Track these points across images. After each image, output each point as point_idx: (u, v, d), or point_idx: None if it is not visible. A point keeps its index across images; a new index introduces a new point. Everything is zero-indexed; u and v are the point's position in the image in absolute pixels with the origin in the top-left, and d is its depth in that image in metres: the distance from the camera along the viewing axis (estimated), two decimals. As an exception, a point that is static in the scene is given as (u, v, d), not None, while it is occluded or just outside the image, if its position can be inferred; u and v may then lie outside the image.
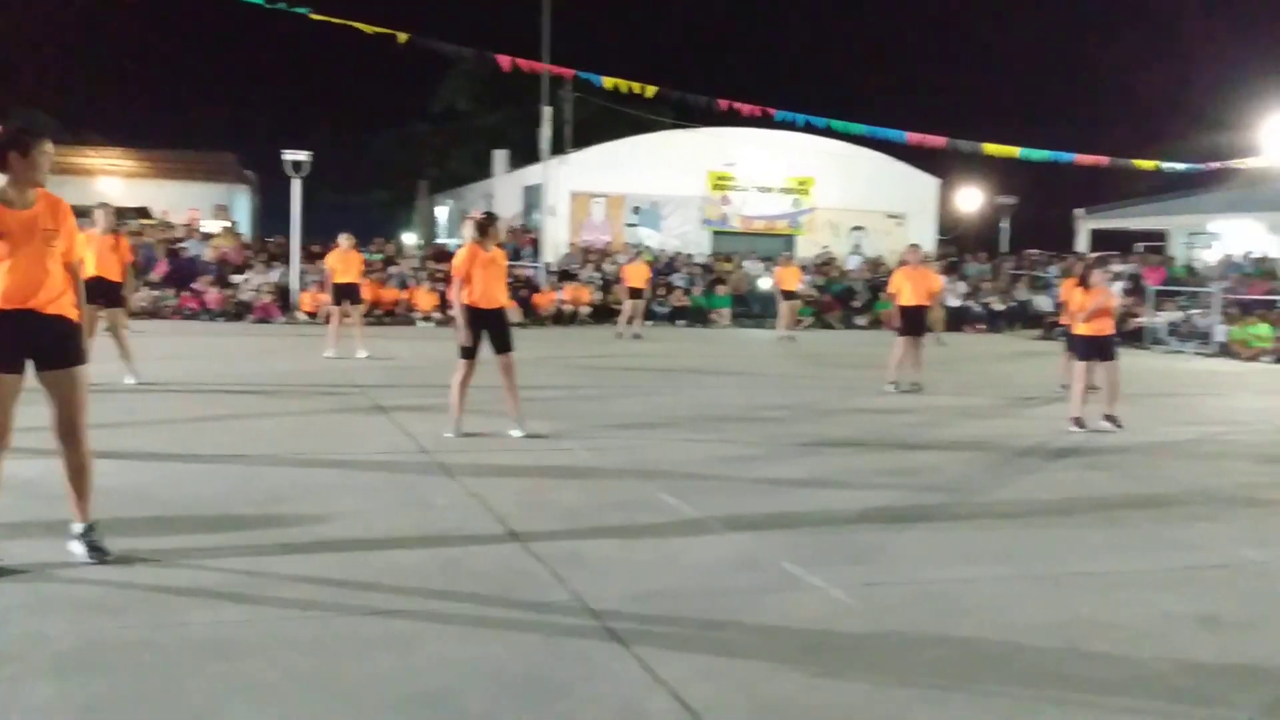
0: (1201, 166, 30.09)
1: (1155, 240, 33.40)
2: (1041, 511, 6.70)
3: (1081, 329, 10.15)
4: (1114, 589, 5.10)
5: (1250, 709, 3.75)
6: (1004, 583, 5.15)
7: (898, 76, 52.67)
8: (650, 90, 24.43)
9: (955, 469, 8.06)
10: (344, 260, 15.01)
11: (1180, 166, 29.82)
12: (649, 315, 23.85)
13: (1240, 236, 29.58)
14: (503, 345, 8.55)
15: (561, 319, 23.72)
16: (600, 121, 32.60)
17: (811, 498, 6.90)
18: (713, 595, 4.80)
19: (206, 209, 30.84)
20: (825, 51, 58.02)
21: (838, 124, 26.22)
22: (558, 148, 27.69)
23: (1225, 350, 20.29)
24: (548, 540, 5.56)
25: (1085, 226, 33.77)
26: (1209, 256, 29.60)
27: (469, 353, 8.42)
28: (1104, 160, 28.84)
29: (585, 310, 24.19)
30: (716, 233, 30.02)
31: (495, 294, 8.49)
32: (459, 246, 10.41)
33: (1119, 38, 56.51)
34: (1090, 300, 10.00)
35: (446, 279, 17.24)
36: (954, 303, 25.99)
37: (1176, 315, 22.82)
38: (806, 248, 30.10)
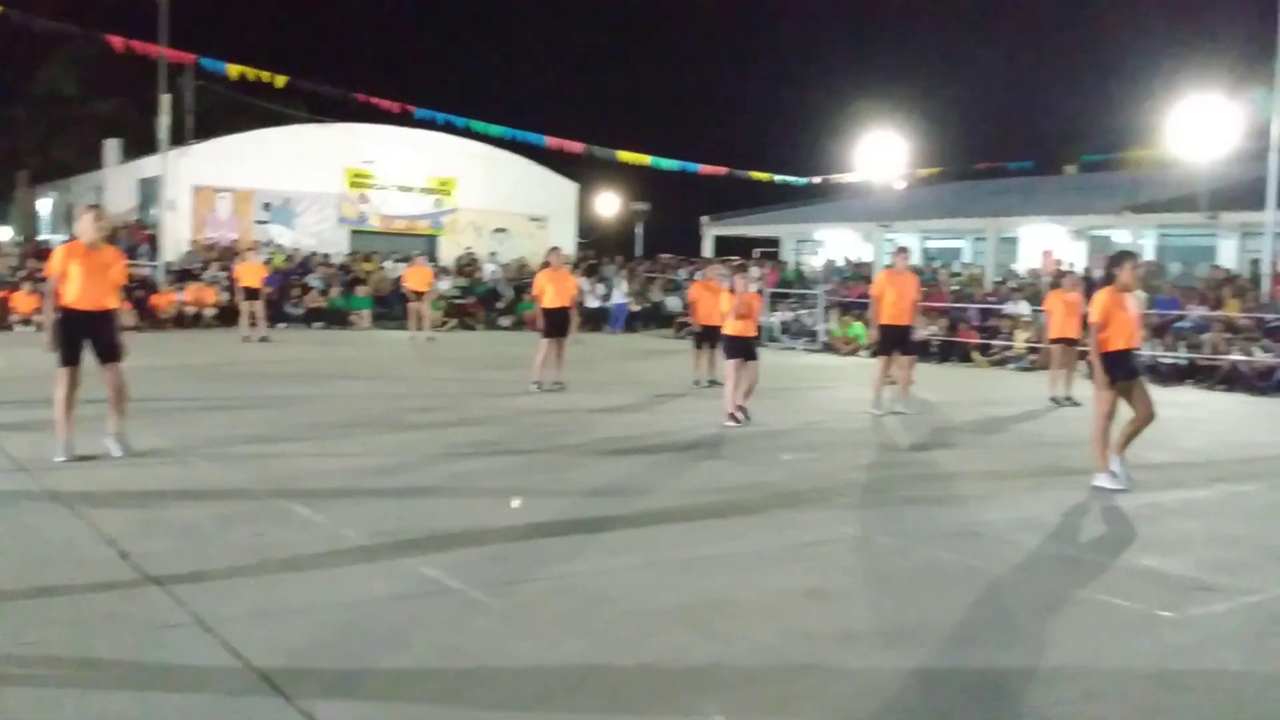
0: (807, 180, 33.08)
1: (770, 246, 36.30)
2: (676, 500, 7.06)
3: (729, 330, 10.83)
4: (736, 570, 5.46)
5: (848, 670, 4.14)
6: (638, 571, 5.37)
7: (537, 82, 53.72)
8: (280, 80, 23.35)
9: (599, 466, 8.32)
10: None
11: (791, 179, 32.60)
12: (281, 317, 22.84)
13: (841, 244, 32.76)
14: (108, 354, 7.79)
15: (183, 322, 22.20)
16: (227, 112, 30.80)
17: (457, 505, 6.88)
18: (366, 621, 4.62)
19: None
20: (467, 53, 58.11)
21: (478, 125, 26.40)
22: (178, 138, 25.88)
23: (828, 346, 22.39)
24: (182, 578, 5.01)
25: (710, 233, 36.07)
26: (815, 261, 32.51)
27: (67, 360, 7.60)
28: (724, 171, 30.98)
29: (210, 312, 22.76)
30: (355, 232, 29.26)
31: (99, 296, 7.72)
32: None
33: (743, 58, 60.78)
34: (734, 303, 10.73)
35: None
36: (593, 304, 26.88)
37: (788, 315, 24.88)
38: (449, 249, 30.00)
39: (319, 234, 28.51)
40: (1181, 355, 17.32)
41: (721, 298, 11.10)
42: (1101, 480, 7.77)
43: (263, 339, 19.23)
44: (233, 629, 4.30)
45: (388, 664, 4.06)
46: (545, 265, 13.98)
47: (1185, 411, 12.86)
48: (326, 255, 27.22)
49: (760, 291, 11.65)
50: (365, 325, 24.54)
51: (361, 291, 25.51)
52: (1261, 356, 16.47)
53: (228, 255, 25.44)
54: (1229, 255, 24.18)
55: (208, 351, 17.22)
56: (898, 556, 5.90)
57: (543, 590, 5.01)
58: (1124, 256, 8.13)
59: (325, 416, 10.35)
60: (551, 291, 13.28)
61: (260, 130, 28.22)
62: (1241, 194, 22.44)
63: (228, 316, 21.90)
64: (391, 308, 25.84)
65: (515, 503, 6.75)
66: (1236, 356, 16.57)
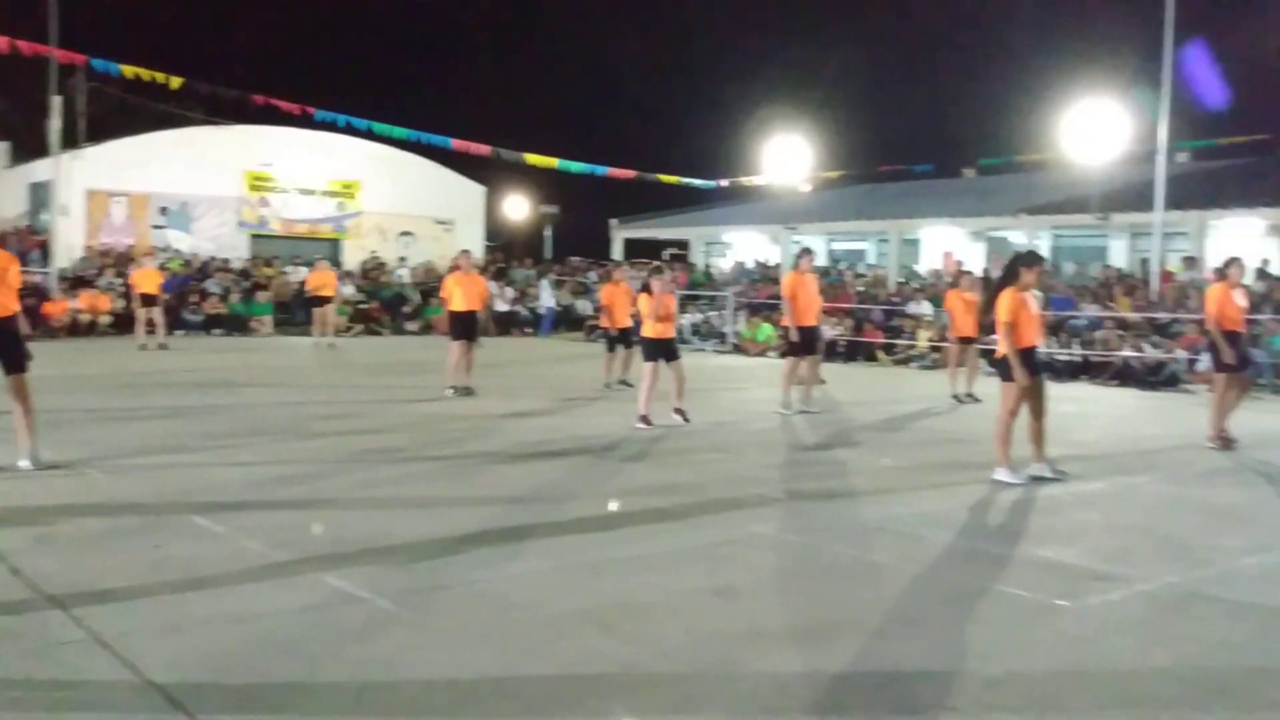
0: (715, 183, 33.37)
1: (680, 248, 36.51)
2: (586, 504, 7.04)
3: (648, 332, 10.83)
4: (645, 572, 5.47)
5: (755, 669, 4.17)
6: (547, 576, 5.34)
7: (443, 84, 53.17)
8: (176, 81, 22.72)
9: (509, 471, 8.27)
10: None
11: (698, 182, 32.85)
12: (179, 324, 22.26)
13: (749, 246, 33.10)
14: (12, 364, 7.51)
15: (78, 330, 21.47)
16: (121, 115, 29.87)
17: (364, 514, 6.77)
18: (270, 635, 4.51)
19: None
20: (370, 54, 57.26)
21: (380, 127, 26.06)
22: (70, 141, 25.00)
23: (737, 348, 22.58)
24: (77, 594, 4.82)
25: (620, 235, 36.14)
26: (724, 264, 32.79)
27: None
28: (632, 174, 31.08)
29: (105, 320, 22.04)
30: (255, 236, 28.61)
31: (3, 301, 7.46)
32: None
33: (649, 62, 61.00)
34: (652, 305, 10.73)
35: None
36: (502, 307, 26.71)
37: (698, 317, 25.04)
38: (354, 253, 29.55)
39: (218, 238, 27.82)
40: (1076, 352, 17.88)
41: (637, 300, 11.08)
42: (1000, 474, 7.99)
43: (161, 346, 18.70)
44: (131, 645, 4.17)
45: (292, 677, 3.97)
46: (454, 268, 13.86)
47: (1080, 407, 13.27)
48: (226, 260, 26.59)
49: (673, 294, 11.68)
50: (267, 331, 24.04)
51: (262, 297, 24.97)
52: (1151, 352, 17.08)
53: (123, 261, 24.68)
54: (1120, 255, 25.04)
55: (103, 360, 16.68)
56: (806, 555, 5.97)
57: (452, 599, 4.96)
58: (1035, 258, 8.35)
59: (226, 425, 10.10)
60: (460, 295, 13.18)
61: (156, 133, 27.41)
62: (1131, 196, 23.27)
63: (124, 324, 21.23)
64: (293, 313, 25.36)
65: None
66: (1128, 353, 17.16)
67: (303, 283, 23.68)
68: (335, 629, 4.48)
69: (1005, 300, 8.01)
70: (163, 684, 3.83)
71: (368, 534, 6.08)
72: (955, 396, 13.68)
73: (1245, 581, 5.54)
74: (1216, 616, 4.96)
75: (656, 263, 13.47)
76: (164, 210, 27.29)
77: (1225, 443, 9.98)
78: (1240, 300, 10.35)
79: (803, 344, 12.09)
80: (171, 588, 4.96)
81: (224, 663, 4.08)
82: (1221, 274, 10.46)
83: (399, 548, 5.80)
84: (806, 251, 12.83)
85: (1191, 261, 21.07)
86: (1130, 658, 4.41)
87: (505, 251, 35.53)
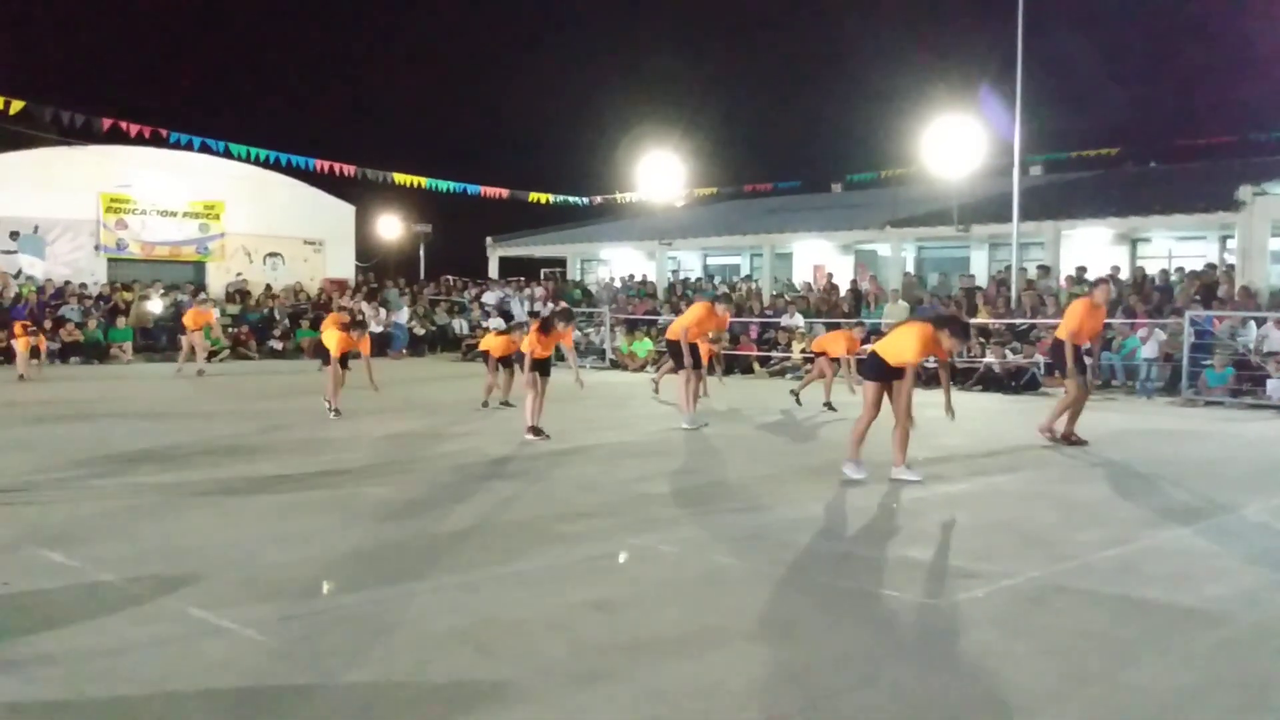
0: (587, 200, 33.45)
1: (557, 265, 36.48)
2: (461, 522, 6.93)
3: (534, 354, 11.05)
4: (522, 587, 5.40)
5: (636, 681, 4.15)
6: (420, 597, 5.23)
7: (303, 104, 52.07)
8: (16, 105, 21.68)
9: (381, 492, 8.08)
10: None
11: (570, 199, 32.89)
12: (33, 353, 21.17)
13: (625, 262, 33.26)
14: None
15: (-80, 361, 20.29)
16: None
17: (229, 542, 6.53)
18: (126, 669, 4.30)
19: None
20: (224, 73, 55.74)
21: (236, 147, 25.34)
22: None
23: (615, 363, 22.64)
24: None
25: (496, 253, 35.94)
26: (602, 280, 32.88)
27: None
28: (504, 192, 30.93)
29: (-48, 350, 20.89)
30: (113, 260, 27.50)
31: None
32: None
33: (518, 79, 60.92)
34: (545, 342, 11.10)
35: None
36: (376, 329, 26.23)
37: (576, 334, 25.01)
38: (218, 275, 28.68)
39: (73, 263, 26.68)
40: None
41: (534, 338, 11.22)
42: (847, 469, 8.52)
43: (20, 377, 17.90)
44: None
45: (151, 711, 3.79)
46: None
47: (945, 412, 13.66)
48: (83, 285, 25.49)
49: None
50: (128, 358, 23.12)
51: (122, 323, 24.01)
52: (1012, 358, 17.74)
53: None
54: (980, 265, 25.97)
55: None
56: (683, 564, 5.98)
57: (320, 623, 4.81)
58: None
59: (82, 456, 9.64)
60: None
61: (4, 154, 26.16)
62: (990, 207, 24.18)
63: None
64: (156, 339, 24.48)
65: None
66: (990, 359, 17.78)
67: (178, 318, 22.78)
68: (196, 660, 4.30)
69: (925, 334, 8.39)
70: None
71: (233, 561, 5.86)
72: (827, 404, 14.04)
73: (1103, 573, 5.77)
74: (1076, 608, 5.14)
75: (564, 306, 13.64)
76: (15, 235, 26.05)
77: (1072, 442, 10.49)
78: (1099, 317, 10.89)
79: (694, 360, 12.27)
80: (19, 624, 4.69)
81: (76, 701, 3.87)
82: (1089, 289, 10.90)
83: (266, 575, 5.61)
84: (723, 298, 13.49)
85: (1046, 270, 21.98)
86: (996, 650, 4.53)
87: (378, 271, 34.95)
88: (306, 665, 4.28)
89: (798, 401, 14.39)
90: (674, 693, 4.00)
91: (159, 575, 5.56)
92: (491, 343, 14.11)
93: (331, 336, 13.05)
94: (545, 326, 11.20)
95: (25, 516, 7.02)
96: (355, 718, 3.78)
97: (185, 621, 4.80)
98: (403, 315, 27.36)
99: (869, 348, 9.05)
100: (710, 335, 12.41)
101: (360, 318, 14.89)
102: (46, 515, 7.07)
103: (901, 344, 8.35)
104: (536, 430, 10.78)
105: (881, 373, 8.45)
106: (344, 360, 12.90)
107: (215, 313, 20.12)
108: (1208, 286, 18.94)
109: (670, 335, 12.62)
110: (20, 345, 18.30)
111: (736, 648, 4.51)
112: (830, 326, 21.29)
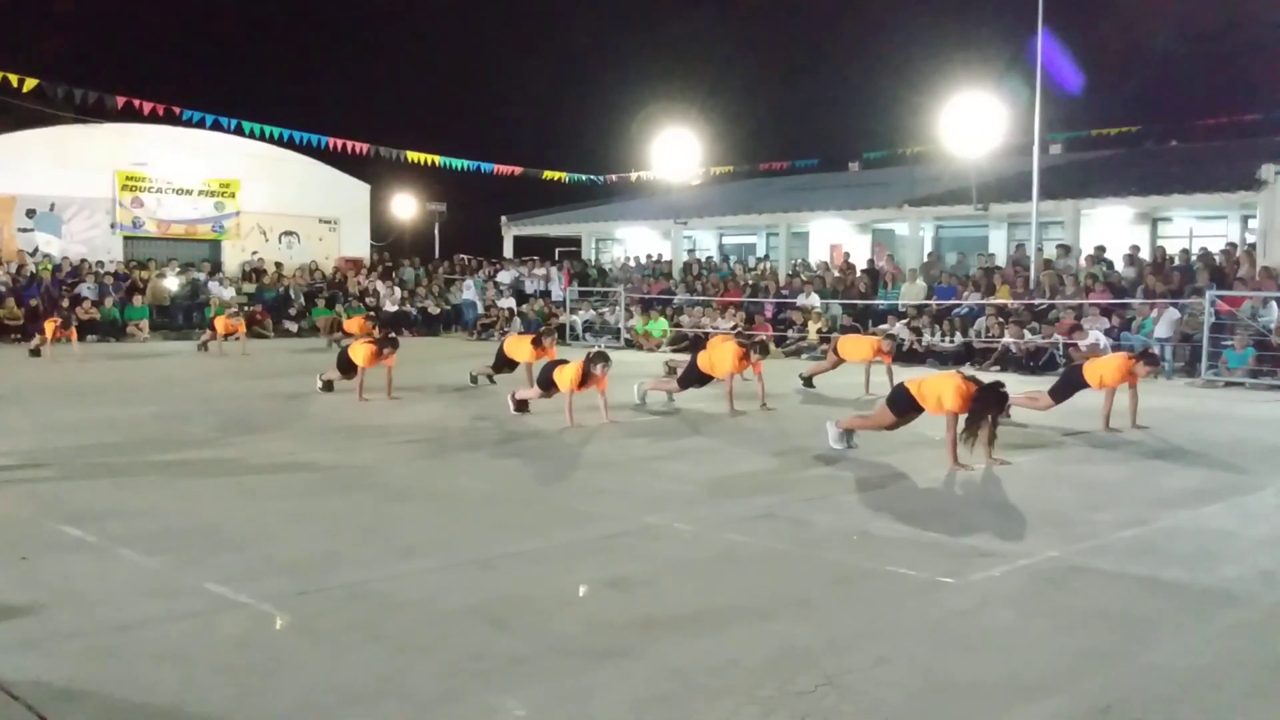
0: (602, 179, 33.35)
1: (572, 245, 36.40)
2: (474, 499, 6.95)
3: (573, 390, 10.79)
4: (535, 565, 5.41)
5: (651, 657, 4.15)
6: (435, 574, 5.24)
7: (317, 82, 51.95)
8: (30, 83, 21.66)
9: (396, 469, 8.10)
10: None
11: (585, 177, 32.79)
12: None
13: (640, 241, 33.17)
14: None
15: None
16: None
17: (246, 518, 6.56)
18: (146, 644, 4.33)
19: None
20: (238, 50, 55.65)
21: (249, 124, 25.32)
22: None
23: (630, 343, 22.60)
24: None
25: (511, 232, 35.89)
26: (616, 259, 32.81)
27: None
28: (518, 170, 30.86)
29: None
30: (129, 238, 27.57)
31: None
32: None
33: (533, 58, 60.66)
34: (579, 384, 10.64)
35: None
36: (391, 308, 26.30)
37: (591, 314, 25.00)
38: (234, 253, 28.73)
39: (90, 241, 26.75)
40: (959, 339, 18.37)
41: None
42: (831, 435, 9.03)
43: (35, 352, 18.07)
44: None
45: (169, 686, 3.80)
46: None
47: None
48: (100, 263, 25.58)
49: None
50: (144, 336, 23.21)
51: (139, 300, 24.09)
52: (1031, 338, 17.63)
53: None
54: (999, 244, 25.79)
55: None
56: (698, 542, 5.97)
57: (336, 599, 4.82)
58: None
59: (99, 432, 9.69)
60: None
61: (21, 132, 26.20)
62: (1009, 186, 23.99)
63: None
64: (173, 317, 24.57)
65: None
66: (1008, 339, 17.68)
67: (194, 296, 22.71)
68: (215, 635, 4.32)
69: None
70: (28, 699, 3.63)
71: (250, 537, 5.89)
72: (807, 380, 14.21)
73: (1120, 553, 5.73)
74: (1094, 587, 5.12)
75: (600, 350, 12.08)
76: (31, 213, 26.13)
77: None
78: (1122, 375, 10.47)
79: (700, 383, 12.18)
80: (40, 600, 4.72)
81: (96, 675, 3.89)
82: (1134, 359, 10.55)
83: (280, 550, 5.63)
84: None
85: (1066, 250, 21.82)
86: (1011, 628, 4.51)
87: (393, 250, 34.96)
88: (323, 640, 4.29)
89: (809, 385, 14.25)
90: (689, 669, 4.00)
91: (177, 551, 5.59)
92: (518, 351, 13.20)
93: (361, 350, 12.39)
94: (585, 371, 10.42)
95: (44, 493, 7.07)
96: (373, 691, 3.79)
97: (203, 596, 4.83)
98: (470, 292, 27.43)
99: (902, 382, 8.85)
100: (754, 357, 12.17)
101: (393, 335, 14.50)
102: (65, 491, 7.12)
103: (941, 390, 8.18)
104: (523, 405, 10.99)
105: (907, 410, 8.51)
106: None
107: (241, 323, 20.10)
108: (1216, 270, 18.68)
109: (706, 369, 11.94)
110: (48, 332, 18.28)
111: (752, 625, 4.51)
112: (846, 309, 21.33)
